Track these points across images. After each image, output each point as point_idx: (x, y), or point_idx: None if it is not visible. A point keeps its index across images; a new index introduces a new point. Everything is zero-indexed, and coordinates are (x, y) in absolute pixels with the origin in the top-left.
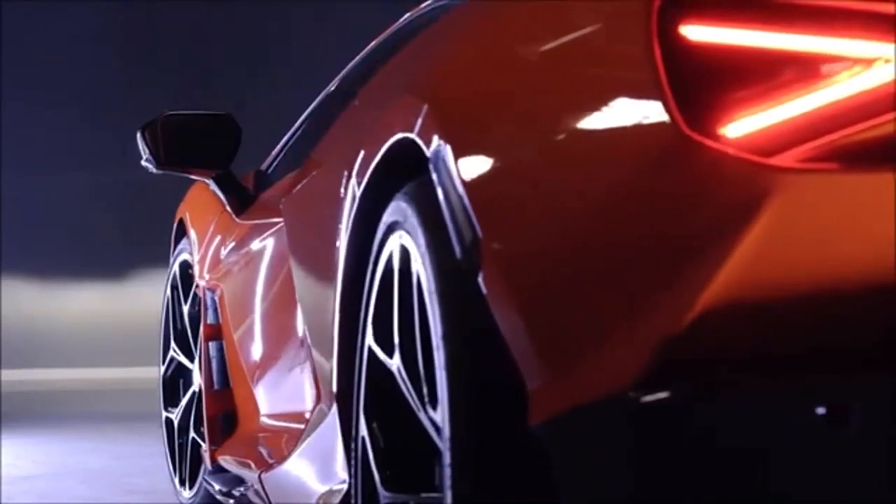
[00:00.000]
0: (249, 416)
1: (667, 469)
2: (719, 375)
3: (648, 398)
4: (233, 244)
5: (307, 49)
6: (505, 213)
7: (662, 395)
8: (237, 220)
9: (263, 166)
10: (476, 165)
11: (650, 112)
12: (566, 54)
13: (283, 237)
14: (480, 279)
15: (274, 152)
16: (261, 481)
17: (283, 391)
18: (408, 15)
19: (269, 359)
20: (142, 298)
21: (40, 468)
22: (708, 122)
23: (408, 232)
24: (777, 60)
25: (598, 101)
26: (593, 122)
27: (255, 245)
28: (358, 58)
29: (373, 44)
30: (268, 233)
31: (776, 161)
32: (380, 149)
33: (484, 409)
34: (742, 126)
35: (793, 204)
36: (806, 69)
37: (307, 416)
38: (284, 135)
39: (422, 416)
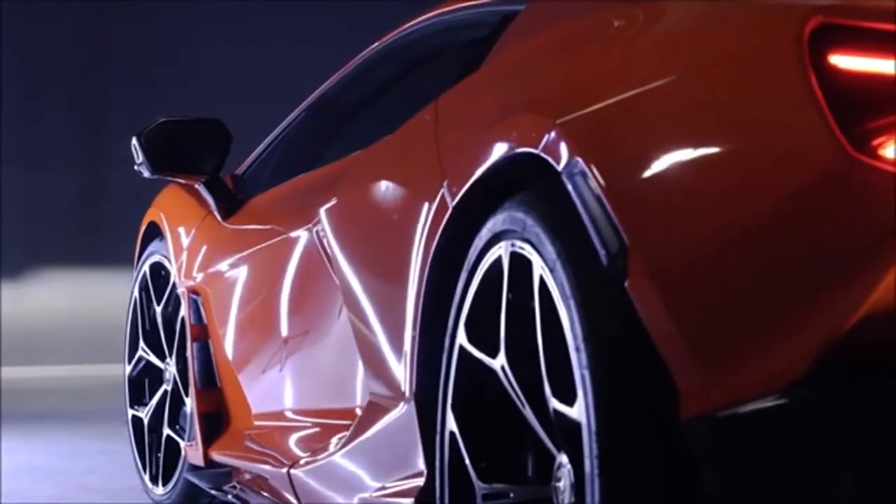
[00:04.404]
0: (243, 413)
1: (818, 467)
2: (877, 376)
3: (808, 397)
4: (223, 248)
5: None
6: (655, 223)
7: (822, 394)
8: (225, 224)
9: (239, 171)
10: (621, 179)
11: (810, 133)
12: (714, 77)
13: (289, 242)
14: (627, 285)
15: (252, 157)
16: (289, 477)
17: (309, 390)
18: (409, 24)
19: (283, 359)
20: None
21: None
22: (869, 144)
23: (527, 240)
24: None
25: (752, 121)
26: (749, 139)
27: (253, 250)
28: (352, 67)
29: (369, 53)
30: (269, 238)
31: None
32: (485, 163)
33: (629, 406)
34: None
35: None
36: None
37: (349, 413)
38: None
39: (526, 411)
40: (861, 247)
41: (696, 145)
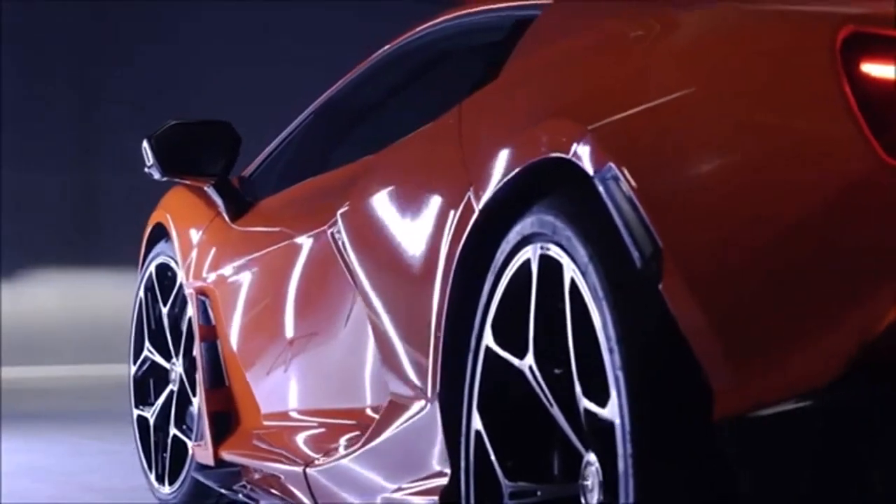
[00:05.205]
0: (252, 413)
1: (850, 469)
2: None
3: (840, 399)
4: (232, 250)
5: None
6: (689, 226)
7: (854, 396)
8: (234, 226)
9: (246, 173)
10: (654, 183)
11: (843, 139)
12: (745, 83)
13: (302, 243)
14: (661, 287)
15: (259, 159)
16: (305, 476)
17: (321, 391)
18: (421, 28)
19: (295, 359)
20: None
21: None
22: None
23: (558, 243)
24: None
25: (784, 126)
26: (782, 144)
27: (265, 251)
28: (362, 69)
29: (380, 56)
30: (281, 239)
31: None
32: (514, 168)
33: (663, 406)
34: None
35: None
36: None
37: (362, 413)
38: None
39: (554, 411)
40: (893, 249)
41: (728, 150)
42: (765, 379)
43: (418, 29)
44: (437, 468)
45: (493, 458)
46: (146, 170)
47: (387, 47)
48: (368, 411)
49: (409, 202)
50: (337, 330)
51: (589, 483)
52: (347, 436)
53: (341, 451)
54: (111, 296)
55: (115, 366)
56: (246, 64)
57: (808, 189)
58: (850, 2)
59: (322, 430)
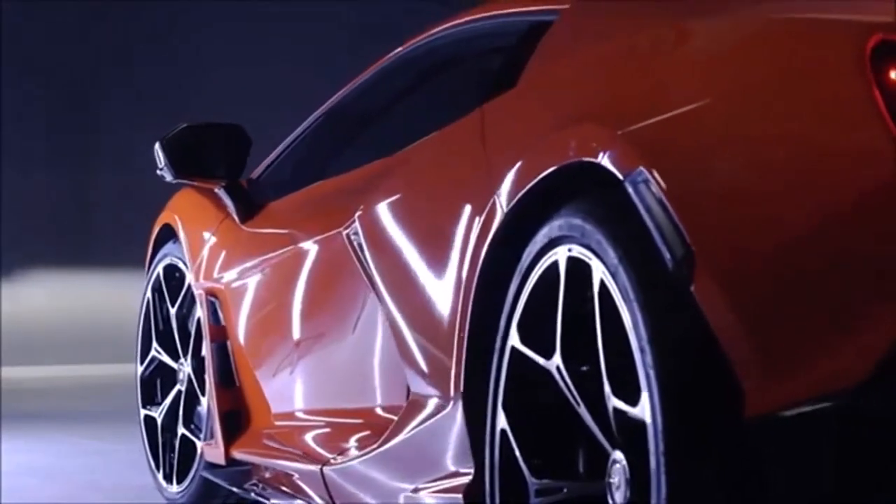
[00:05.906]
0: (262, 412)
1: (877, 469)
2: None
3: (870, 399)
4: (243, 251)
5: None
6: (720, 228)
7: (883, 397)
8: (245, 227)
9: (254, 175)
10: (685, 186)
11: (874, 143)
12: (776, 89)
13: (317, 245)
14: (693, 289)
15: (268, 161)
16: (322, 475)
17: (335, 391)
18: (433, 31)
19: (309, 359)
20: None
21: None
22: None
23: (586, 246)
24: None
25: (816, 131)
26: (814, 147)
27: (278, 252)
28: (368, 75)
29: (387, 62)
30: (295, 241)
31: None
32: (541, 172)
33: (694, 404)
34: None
35: None
36: None
37: (380, 413)
38: None
39: (581, 410)
40: None
41: (758, 154)
42: (795, 379)
43: (430, 32)
44: (460, 467)
45: (518, 455)
46: (158, 172)
47: (399, 50)
48: (382, 411)
49: (431, 204)
50: (350, 330)
51: (615, 481)
52: (362, 435)
53: (359, 450)
54: (111, 296)
55: (115, 365)
56: (246, 64)
57: (838, 192)
58: (861, 7)
59: (336, 429)
